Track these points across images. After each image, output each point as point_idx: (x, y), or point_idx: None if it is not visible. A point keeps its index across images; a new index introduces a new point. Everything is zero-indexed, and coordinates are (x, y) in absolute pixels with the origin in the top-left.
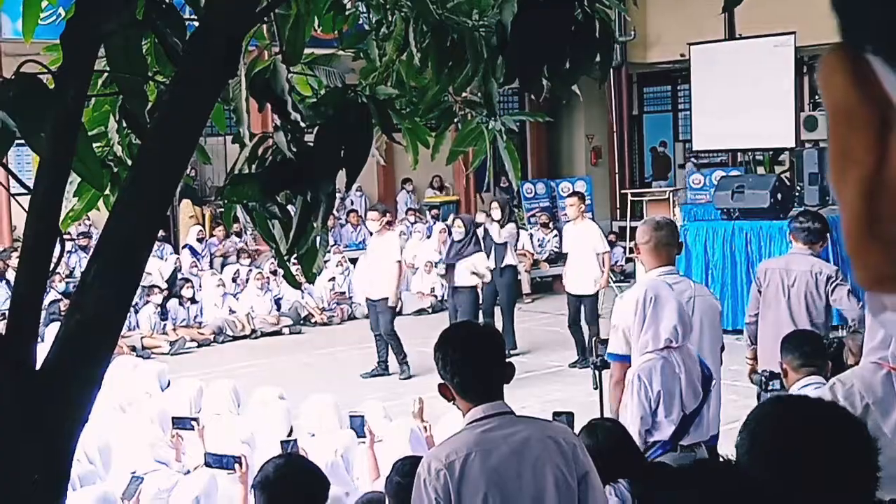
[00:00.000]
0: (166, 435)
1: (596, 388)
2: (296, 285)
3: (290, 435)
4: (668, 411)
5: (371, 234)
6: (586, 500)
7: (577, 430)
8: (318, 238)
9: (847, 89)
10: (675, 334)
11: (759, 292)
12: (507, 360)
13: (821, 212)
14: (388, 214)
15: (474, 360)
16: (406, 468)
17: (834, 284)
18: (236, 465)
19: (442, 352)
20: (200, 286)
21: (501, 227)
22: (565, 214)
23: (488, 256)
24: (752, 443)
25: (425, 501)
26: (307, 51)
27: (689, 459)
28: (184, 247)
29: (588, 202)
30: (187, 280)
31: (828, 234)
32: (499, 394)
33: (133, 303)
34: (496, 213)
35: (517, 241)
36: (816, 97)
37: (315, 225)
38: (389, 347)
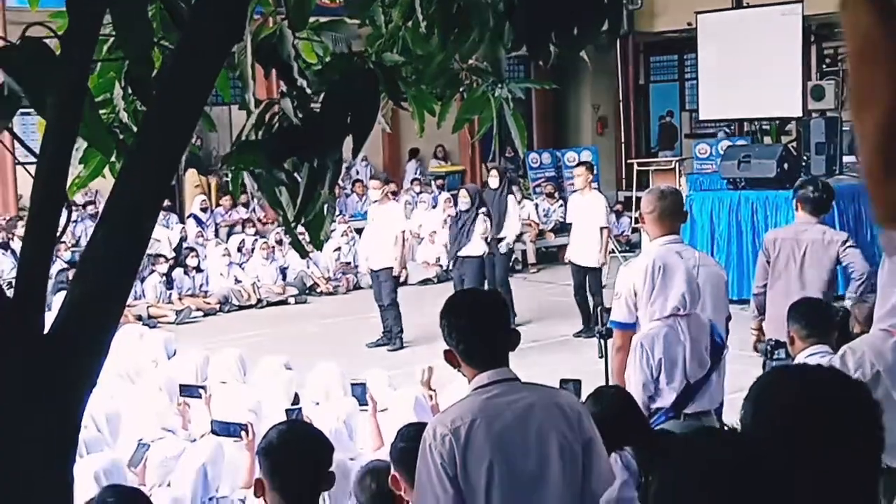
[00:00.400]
0: (173, 403)
1: (601, 357)
2: (303, 252)
3: (295, 403)
4: (670, 379)
5: (374, 202)
6: (590, 467)
7: (583, 397)
8: (325, 205)
9: (870, 24)
10: (683, 302)
11: (768, 262)
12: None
13: (828, 181)
14: (390, 184)
15: (480, 326)
16: (411, 433)
17: (846, 247)
18: (242, 433)
19: (448, 318)
20: (205, 256)
21: (500, 193)
22: (571, 184)
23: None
24: (755, 412)
25: (431, 466)
26: (312, 19)
27: (693, 427)
28: (188, 216)
29: (595, 172)
30: (192, 249)
31: (833, 203)
32: (504, 360)
33: (139, 272)
34: (493, 181)
35: (521, 208)
36: (824, 66)
37: (322, 192)
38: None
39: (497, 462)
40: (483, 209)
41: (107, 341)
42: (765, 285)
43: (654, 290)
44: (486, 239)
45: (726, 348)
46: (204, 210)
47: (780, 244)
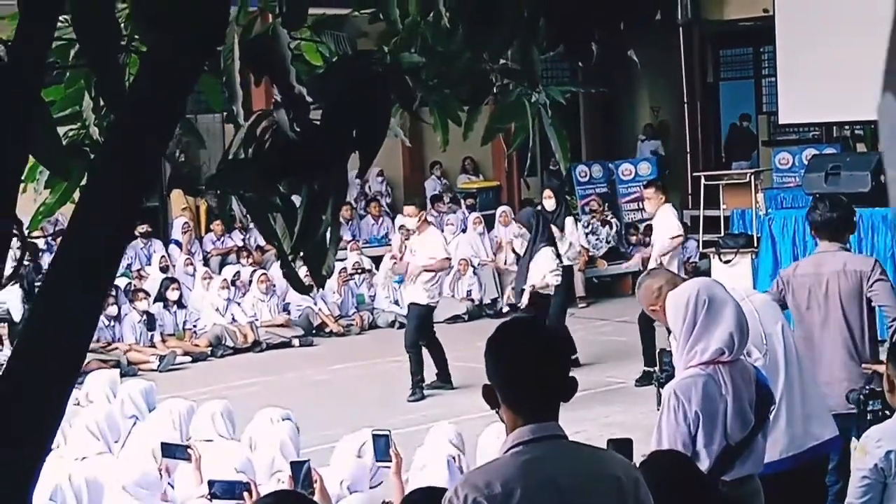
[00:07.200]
0: (156, 465)
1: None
2: (303, 290)
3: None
4: (709, 439)
5: (399, 228)
6: None
7: (636, 459)
8: (327, 233)
9: None
10: (730, 344)
11: (784, 305)
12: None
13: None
14: (428, 208)
15: (530, 366)
16: (417, 498)
17: (873, 281)
18: (245, 495)
19: (491, 351)
20: (191, 287)
21: (555, 219)
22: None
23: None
24: None
25: None
26: (315, 11)
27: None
28: (170, 242)
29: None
30: (173, 280)
31: (854, 221)
32: (553, 413)
33: (116, 312)
34: (549, 203)
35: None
36: None
37: (324, 218)
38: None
39: None
40: (544, 240)
41: (63, 397)
42: None
43: (695, 327)
44: (550, 272)
45: (774, 403)
46: (185, 233)
47: (798, 282)
